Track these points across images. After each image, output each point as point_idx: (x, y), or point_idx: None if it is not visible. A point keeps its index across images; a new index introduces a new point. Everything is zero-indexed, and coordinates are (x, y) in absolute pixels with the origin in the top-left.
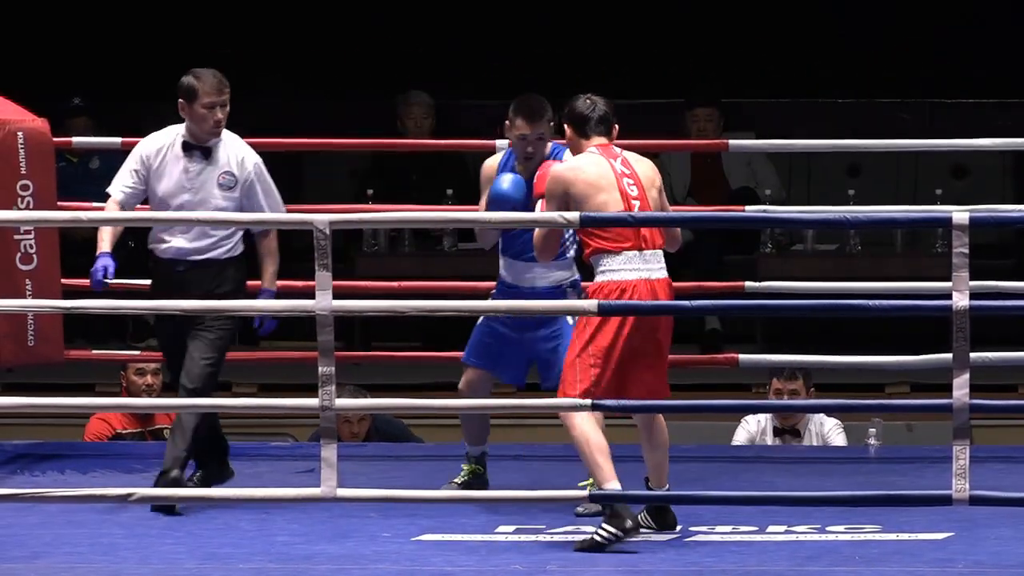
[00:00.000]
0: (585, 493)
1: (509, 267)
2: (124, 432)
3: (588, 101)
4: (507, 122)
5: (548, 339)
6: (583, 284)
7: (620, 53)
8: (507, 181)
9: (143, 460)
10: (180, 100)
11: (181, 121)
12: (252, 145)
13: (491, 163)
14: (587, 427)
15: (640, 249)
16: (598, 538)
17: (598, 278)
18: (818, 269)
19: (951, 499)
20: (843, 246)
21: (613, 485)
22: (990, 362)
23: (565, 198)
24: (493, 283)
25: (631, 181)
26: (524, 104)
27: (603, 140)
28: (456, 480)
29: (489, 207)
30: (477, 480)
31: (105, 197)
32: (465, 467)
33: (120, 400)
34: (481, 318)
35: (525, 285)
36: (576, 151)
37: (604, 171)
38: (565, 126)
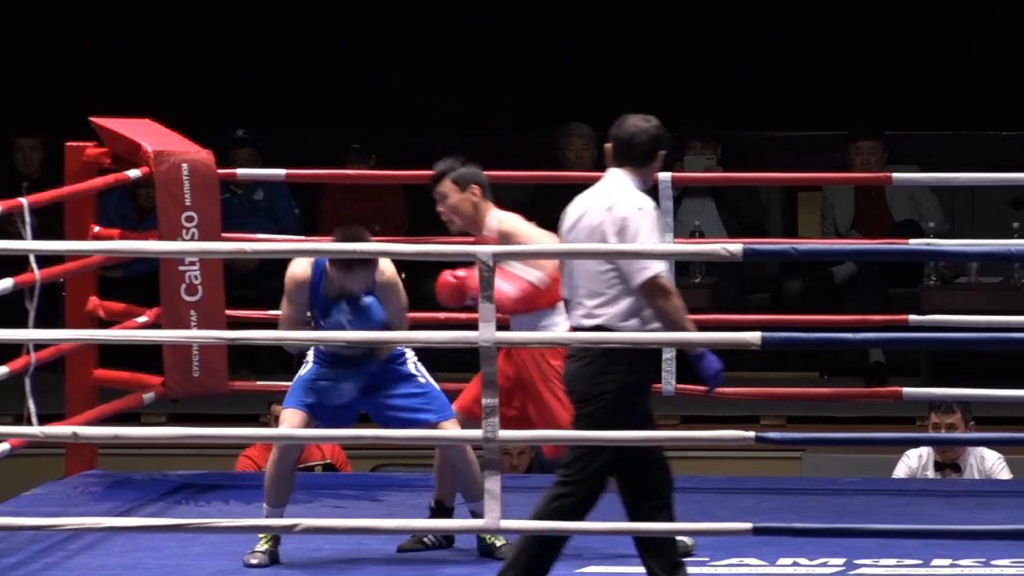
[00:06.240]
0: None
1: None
2: None
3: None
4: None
5: (404, 397)
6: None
7: (784, 86)
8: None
9: (308, 491)
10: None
11: (346, 153)
12: (418, 179)
13: (301, 274)
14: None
15: None
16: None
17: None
18: (982, 302)
19: None
20: (1007, 279)
21: None
22: None
23: None
24: None
25: None
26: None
27: None
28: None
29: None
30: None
31: (269, 228)
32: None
33: (285, 431)
34: (313, 369)
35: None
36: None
37: None
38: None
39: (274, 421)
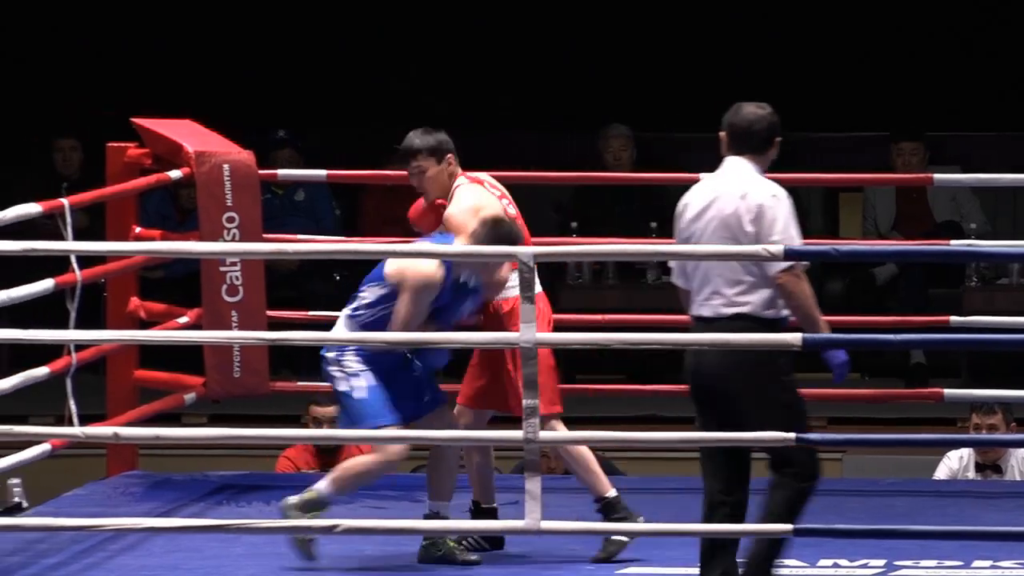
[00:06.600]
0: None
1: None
2: (310, 472)
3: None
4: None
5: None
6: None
7: (825, 87)
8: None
9: None
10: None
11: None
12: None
13: (438, 273)
14: (579, 445)
15: None
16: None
17: (507, 294)
18: None
19: None
20: None
21: (612, 491)
22: None
23: None
24: None
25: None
26: None
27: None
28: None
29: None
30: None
31: (309, 228)
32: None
33: (326, 432)
34: (373, 378)
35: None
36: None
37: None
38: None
39: (313, 422)
